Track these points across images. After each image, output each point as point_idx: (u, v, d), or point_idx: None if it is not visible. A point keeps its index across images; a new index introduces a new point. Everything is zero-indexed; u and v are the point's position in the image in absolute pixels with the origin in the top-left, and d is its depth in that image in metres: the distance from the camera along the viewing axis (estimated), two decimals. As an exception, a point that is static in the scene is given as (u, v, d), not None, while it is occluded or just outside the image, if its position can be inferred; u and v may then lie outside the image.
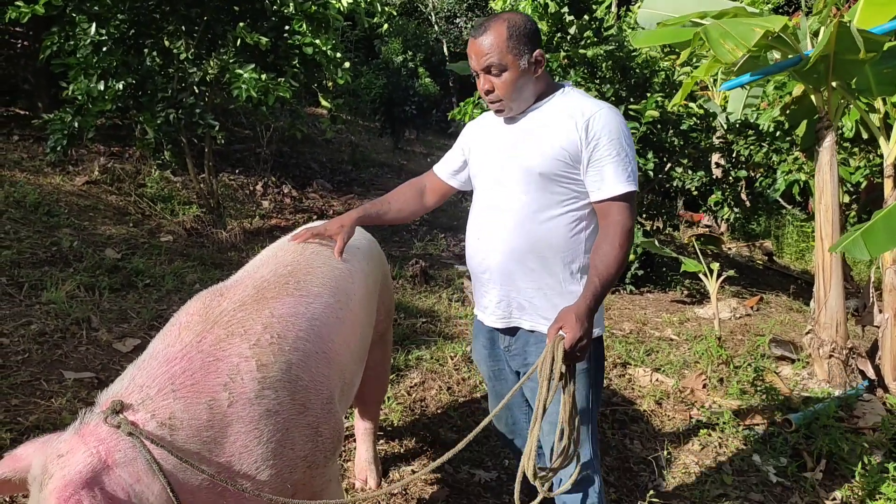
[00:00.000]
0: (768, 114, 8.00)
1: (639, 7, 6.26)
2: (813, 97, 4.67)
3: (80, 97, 5.74)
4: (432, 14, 19.17)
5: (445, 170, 2.56)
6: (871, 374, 4.41)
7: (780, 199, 9.42)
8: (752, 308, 6.61)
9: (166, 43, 6.29)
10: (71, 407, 3.09)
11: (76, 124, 5.75)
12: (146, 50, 6.14)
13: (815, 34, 4.89)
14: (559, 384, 2.02)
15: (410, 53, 14.33)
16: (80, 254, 4.87)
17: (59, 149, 5.80)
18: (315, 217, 7.79)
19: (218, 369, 1.79)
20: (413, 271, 6.01)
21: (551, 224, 2.18)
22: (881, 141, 4.52)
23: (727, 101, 9.40)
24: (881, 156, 6.28)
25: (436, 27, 18.81)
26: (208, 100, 6.40)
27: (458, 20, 19.11)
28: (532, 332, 2.26)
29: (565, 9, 5.86)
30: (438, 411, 3.85)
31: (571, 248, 2.19)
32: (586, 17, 5.92)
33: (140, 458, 1.59)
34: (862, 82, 4.52)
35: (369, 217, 2.54)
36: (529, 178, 2.17)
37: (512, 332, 2.32)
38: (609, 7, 6.28)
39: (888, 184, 4.46)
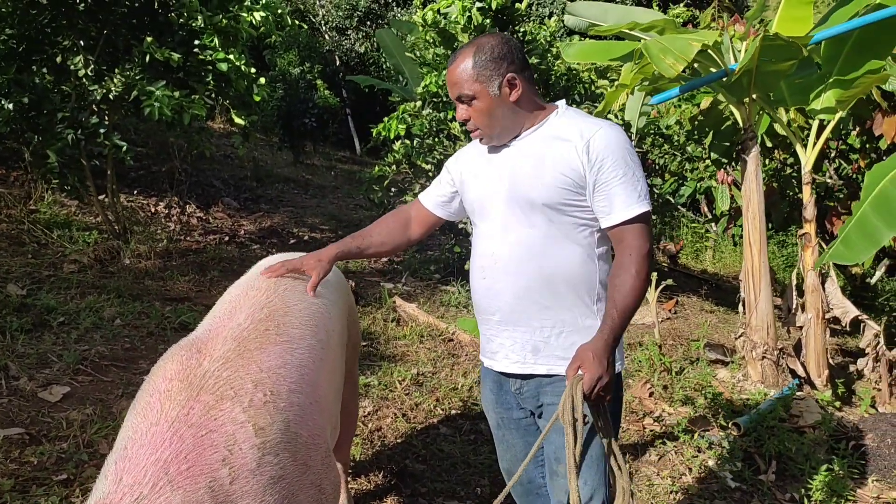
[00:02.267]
0: (664, 121, 8.35)
1: (555, 21, 6.37)
2: (734, 109, 4.88)
3: (-37, 118, 5.21)
4: (322, 24, 18.87)
5: (432, 200, 2.40)
6: (800, 372, 4.64)
7: (672, 202, 9.85)
8: (670, 311, 6.84)
9: (58, 59, 5.82)
10: (5, 470, 2.75)
11: (-39, 147, 5.22)
12: (34, 67, 5.65)
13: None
14: (585, 428, 1.95)
15: (308, 65, 14.00)
16: (-21, 292, 4.40)
17: (-59, 175, 5.23)
18: (227, 238, 7.43)
19: (213, 443, 1.61)
20: (342, 292, 5.82)
21: (562, 256, 2.04)
22: (799, 151, 4.77)
23: (622, 111, 9.76)
24: (784, 162, 6.69)
25: (326, 38, 18.53)
26: (109, 119, 5.97)
27: (349, 32, 18.90)
28: (547, 375, 2.12)
29: (488, 21, 5.86)
30: (398, 440, 3.71)
31: (586, 279, 2.07)
32: (510, 29, 5.95)
33: None
34: (778, 93, 4.76)
35: (349, 252, 2.38)
36: (533, 210, 2.05)
37: (525, 375, 2.17)
38: (528, 16, 6.34)
39: (806, 190, 4.71)
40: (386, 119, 6.66)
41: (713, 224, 9.62)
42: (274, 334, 1.98)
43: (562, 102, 2.21)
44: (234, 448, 1.65)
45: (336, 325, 2.37)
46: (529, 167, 2.07)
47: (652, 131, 6.82)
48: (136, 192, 8.21)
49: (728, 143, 5.92)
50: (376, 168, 7.02)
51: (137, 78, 5.58)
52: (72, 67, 5.79)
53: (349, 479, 3.29)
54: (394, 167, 6.84)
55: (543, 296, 2.07)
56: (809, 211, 4.71)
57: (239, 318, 2.01)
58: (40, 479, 2.78)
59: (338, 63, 17.49)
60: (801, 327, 4.83)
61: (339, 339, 2.40)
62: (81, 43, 5.70)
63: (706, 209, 10.38)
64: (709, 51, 4.36)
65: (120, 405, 3.44)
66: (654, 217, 9.73)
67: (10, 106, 5.25)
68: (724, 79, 4.49)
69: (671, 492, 3.54)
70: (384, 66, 15.10)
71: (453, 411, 4.09)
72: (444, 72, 6.65)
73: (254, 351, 1.89)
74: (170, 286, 5.42)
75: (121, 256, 5.68)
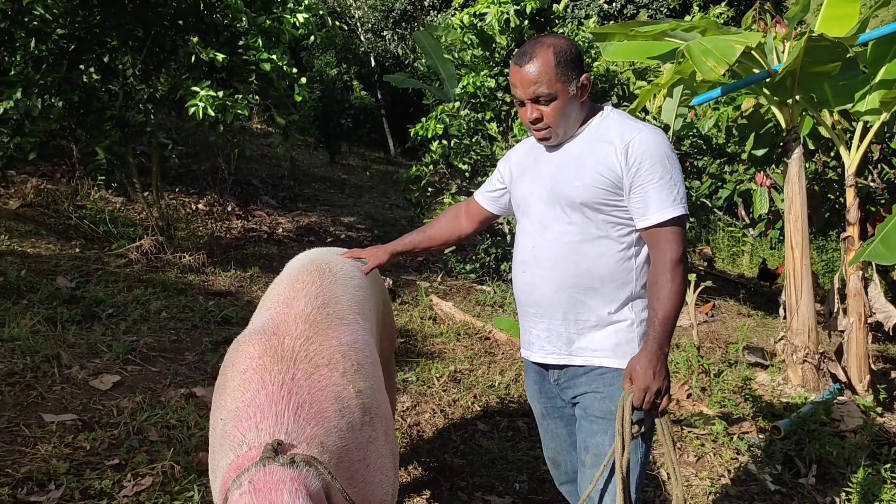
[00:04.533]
0: (702, 124, 8.28)
1: (594, 22, 6.36)
2: (777, 111, 4.83)
3: (15, 115, 5.37)
4: (359, 26, 19.03)
5: (485, 196, 2.49)
6: (841, 377, 4.58)
7: (709, 205, 9.75)
8: (707, 314, 6.79)
9: (106, 59, 5.97)
10: (60, 454, 2.85)
11: (13, 144, 5.38)
12: (83, 66, 5.80)
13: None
14: (636, 438, 2.02)
15: (344, 66, 14.15)
16: (30, 284, 4.54)
17: (-6, 171, 5.41)
18: (265, 236, 7.55)
19: (326, 397, 1.71)
20: (380, 290, 5.88)
21: (598, 254, 2.10)
22: (842, 151, 4.72)
23: (659, 113, 9.70)
24: (826, 165, 6.60)
25: (362, 39, 18.68)
26: (154, 118, 6.12)
27: (385, 34, 19.03)
28: (581, 366, 2.18)
29: (526, 23, 5.88)
30: (437, 435, 3.75)
31: (621, 276, 2.11)
32: (547, 31, 5.97)
33: (321, 489, 1.45)
34: (821, 95, 4.71)
35: (404, 247, 2.58)
36: (572, 208, 2.11)
37: (561, 366, 2.23)
38: (565, 18, 6.36)
39: (850, 193, 4.65)
40: (424, 119, 6.72)
41: (751, 228, 9.51)
42: (336, 317, 2.06)
43: (608, 105, 2.25)
44: (343, 403, 1.75)
45: (372, 315, 2.44)
46: (571, 167, 2.13)
47: (690, 134, 6.78)
48: (177, 190, 8.38)
49: (769, 147, 5.86)
50: (413, 168, 7.09)
51: (183, 78, 5.71)
52: (119, 67, 5.95)
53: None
54: (431, 167, 6.89)
55: (579, 291, 2.12)
56: (853, 214, 4.65)
57: (299, 305, 2.07)
58: (93, 464, 2.87)
59: (373, 64, 17.62)
60: (842, 331, 4.77)
61: (376, 329, 2.47)
62: (129, 43, 5.84)
63: (743, 213, 10.27)
64: (752, 52, 4.33)
65: (168, 394, 3.53)
66: (690, 219, 9.69)
67: (61, 104, 5.41)
68: (767, 80, 4.46)
69: (710, 493, 3.53)
70: (420, 69, 15.17)
71: (491, 408, 4.12)
72: (482, 73, 6.72)
73: (327, 330, 1.97)
74: (212, 281, 5.53)
75: (165, 252, 5.81)
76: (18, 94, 5.33)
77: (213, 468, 1.69)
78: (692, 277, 5.31)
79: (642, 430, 2.06)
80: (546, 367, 2.28)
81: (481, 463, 3.53)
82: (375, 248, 2.58)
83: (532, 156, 2.29)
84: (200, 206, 8.07)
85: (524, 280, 2.24)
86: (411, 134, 6.86)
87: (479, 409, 4.10)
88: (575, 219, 2.11)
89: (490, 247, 6.80)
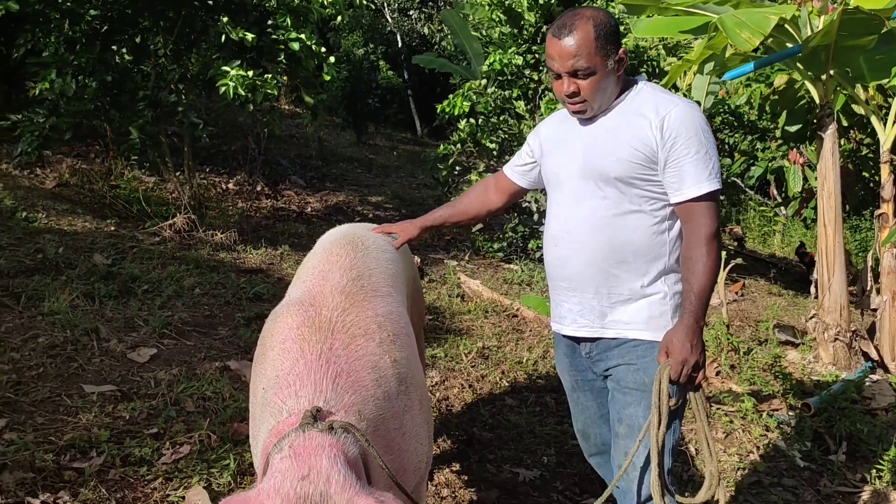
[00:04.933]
0: (734, 101, 8.17)
1: (624, -2, 6.28)
2: (811, 86, 4.76)
3: (50, 96, 5.48)
4: (385, 5, 18.98)
5: (514, 169, 2.49)
6: (873, 355, 4.54)
7: (740, 184, 9.62)
8: (737, 293, 6.74)
9: (138, 40, 6.05)
10: (101, 423, 2.94)
11: (48, 125, 5.49)
12: (115, 47, 5.88)
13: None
14: (672, 410, 2.03)
15: (371, 46, 14.15)
16: (68, 260, 4.65)
17: (30, 151, 5.53)
18: (294, 215, 7.63)
19: (364, 367, 1.75)
20: (408, 268, 5.93)
21: (632, 227, 2.10)
22: (878, 127, 4.64)
23: (689, 90, 9.57)
24: (860, 142, 6.49)
25: (389, 19, 18.63)
26: (186, 98, 6.19)
27: (411, 13, 18.96)
28: (614, 338, 2.19)
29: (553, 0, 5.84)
30: (465, 410, 3.80)
31: (654, 250, 2.11)
32: (576, 5, 5.90)
33: (358, 455, 1.50)
34: (856, 69, 4.63)
35: (434, 221, 2.59)
36: (606, 183, 2.10)
37: (593, 339, 2.24)
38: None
39: (885, 169, 4.58)
40: (451, 96, 6.71)
41: (783, 207, 9.38)
42: (370, 289, 2.09)
43: (641, 78, 2.23)
44: (380, 373, 1.78)
45: (404, 289, 2.47)
46: (605, 141, 2.12)
47: (721, 111, 6.69)
48: (207, 170, 8.48)
49: (802, 123, 5.78)
50: (441, 147, 7.09)
51: (213, 58, 5.76)
52: (151, 48, 6.02)
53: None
54: (458, 146, 6.89)
55: (612, 265, 2.12)
56: (887, 191, 4.58)
57: (335, 278, 2.10)
58: (133, 432, 2.96)
59: (400, 44, 17.58)
60: (875, 310, 4.72)
61: (407, 302, 2.50)
62: (161, 24, 5.90)
63: (775, 192, 10.14)
64: (785, 25, 4.26)
65: (203, 367, 3.61)
66: (721, 198, 9.58)
67: (94, 84, 5.50)
68: (801, 54, 4.39)
69: (738, 469, 3.54)
70: (447, 48, 15.12)
71: (519, 383, 4.15)
72: (510, 50, 6.69)
73: (363, 301, 2.00)
74: (243, 259, 5.61)
75: (197, 230, 5.90)
76: (53, 75, 5.43)
77: (254, 434, 1.74)
78: (722, 254, 5.27)
79: (678, 403, 2.06)
80: (578, 340, 2.29)
81: (509, 437, 3.56)
82: (406, 223, 2.59)
83: (564, 129, 2.27)
84: (230, 185, 8.16)
85: (556, 254, 2.25)
86: (438, 111, 6.86)
87: (507, 384, 4.14)
88: (608, 193, 2.11)
89: (517, 225, 6.80)
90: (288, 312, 1.95)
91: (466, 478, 3.18)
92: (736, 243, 9.65)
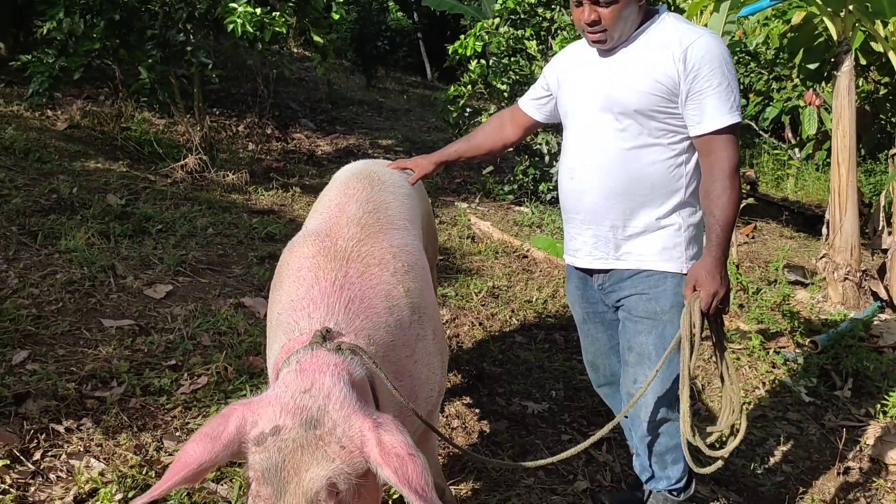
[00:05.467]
0: (751, 40, 8.01)
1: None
2: (829, 22, 4.67)
3: (59, 36, 5.44)
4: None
5: (529, 103, 2.48)
6: (883, 295, 4.56)
7: (754, 127, 9.49)
8: (747, 236, 6.73)
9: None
10: (120, 355, 3.01)
11: (58, 65, 5.47)
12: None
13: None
14: (700, 343, 2.05)
15: (380, -13, 13.87)
16: (83, 200, 4.68)
17: (41, 92, 5.52)
18: (305, 158, 7.62)
19: (377, 294, 1.79)
20: (419, 209, 5.94)
21: (649, 160, 2.10)
22: (895, 63, 4.56)
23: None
24: (878, 82, 6.37)
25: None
26: (194, 37, 6.13)
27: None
28: (627, 269, 2.21)
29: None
30: (475, 346, 3.86)
31: (670, 184, 2.12)
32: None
33: (365, 378, 1.54)
34: (877, 4, 4.52)
35: (448, 156, 2.59)
36: (625, 115, 2.09)
37: (607, 270, 2.26)
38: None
39: (902, 108, 4.52)
40: (462, 37, 6.62)
41: (797, 150, 9.27)
42: (386, 222, 2.12)
43: (663, 8, 2.19)
44: (393, 301, 1.83)
45: (420, 224, 2.49)
46: (625, 73, 2.10)
47: (737, 50, 6.57)
48: (217, 112, 8.45)
49: (819, 62, 5.67)
50: (452, 88, 7.02)
51: (221, -5, 5.69)
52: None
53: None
54: (469, 87, 6.82)
55: (628, 198, 2.13)
56: (903, 129, 4.53)
57: (351, 210, 2.13)
58: (152, 364, 3.03)
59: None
60: (886, 250, 4.72)
61: (422, 236, 2.53)
62: (167, -39, 5.81)
63: (790, 135, 10.00)
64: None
65: (218, 304, 3.67)
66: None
67: (102, 23, 5.46)
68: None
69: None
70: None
71: (528, 322, 4.21)
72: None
73: (378, 233, 2.04)
74: (255, 200, 5.64)
75: (209, 172, 5.92)
76: (61, 14, 5.39)
77: (268, 352, 1.79)
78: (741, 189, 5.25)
79: (703, 335, 2.08)
80: (591, 272, 2.32)
81: (519, 372, 3.63)
82: (421, 158, 2.60)
83: (582, 61, 2.25)
84: (241, 128, 8.14)
85: (571, 187, 2.25)
86: (450, 51, 6.78)
87: (516, 322, 4.19)
88: (626, 125, 2.10)
89: (528, 168, 6.77)
90: (304, 242, 1.99)
91: (477, 410, 3.25)
92: (749, 186, 9.57)
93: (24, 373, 2.75)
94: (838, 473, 3.12)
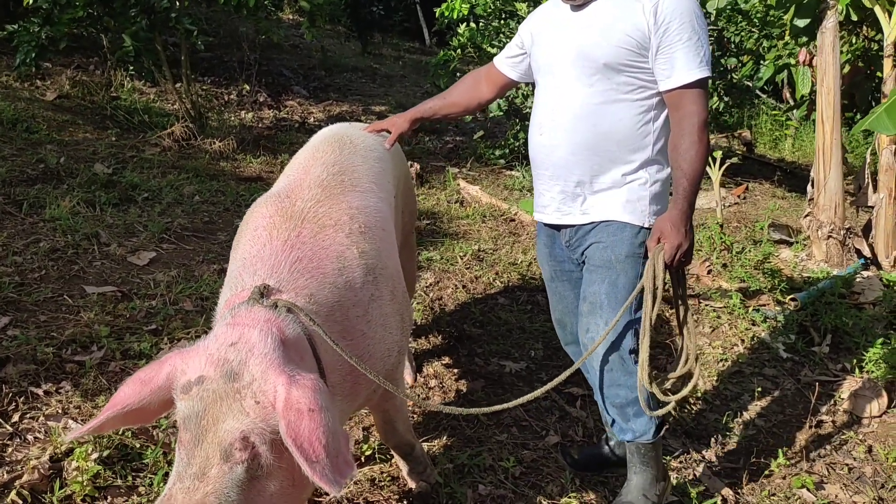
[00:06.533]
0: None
1: None
2: (815, -23, 4.61)
3: (44, 5, 5.43)
4: None
5: (504, 61, 2.49)
6: (867, 252, 4.57)
7: (752, 87, 9.40)
8: (739, 197, 6.73)
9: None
10: (101, 320, 3.06)
11: (44, 34, 5.46)
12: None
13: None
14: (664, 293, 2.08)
15: (374, -51, 13.67)
16: (69, 170, 4.71)
17: (28, 61, 5.52)
18: (297, 125, 7.61)
19: (328, 255, 1.83)
20: (408, 174, 5.95)
21: (616, 117, 2.12)
22: (882, 19, 4.51)
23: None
24: (871, 39, 6.30)
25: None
26: (180, 3, 6.09)
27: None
28: (592, 222, 2.24)
29: None
30: (457, 308, 3.90)
31: (637, 140, 2.14)
32: None
33: (301, 335, 1.58)
34: (865, -41, 4.47)
35: (425, 112, 2.59)
36: (594, 70, 2.11)
37: (574, 226, 2.29)
38: None
39: (888, 63, 4.48)
40: (449, -1, 6.57)
41: (795, 110, 9.19)
42: (350, 184, 2.15)
43: None
44: (344, 262, 1.87)
45: (392, 187, 2.51)
46: (596, 27, 2.11)
47: (729, 8, 6.50)
48: (209, 81, 8.42)
49: (811, 18, 5.59)
50: (441, 53, 6.98)
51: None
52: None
53: (410, 338, 3.51)
54: (459, 51, 6.79)
55: (596, 153, 2.16)
56: (889, 85, 4.48)
57: (315, 172, 2.17)
58: (133, 329, 3.08)
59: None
60: (871, 207, 4.71)
61: (394, 201, 2.54)
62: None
63: (788, 95, 9.90)
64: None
65: (201, 270, 3.72)
66: (734, 107, 9.36)
67: (87, -10, 5.43)
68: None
69: (721, 360, 3.64)
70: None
71: (512, 284, 4.24)
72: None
73: (338, 195, 2.07)
74: (243, 167, 5.66)
75: (197, 140, 5.93)
76: (44, -18, 5.36)
77: (218, 306, 1.84)
78: (717, 154, 5.25)
79: (666, 287, 2.11)
80: (558, 227, 2.35)
81: (499, 332, 3.68)
82: (395, 118, 2.60)
83: (554, 17, 2.27)
84: (232, 96, 8.12)
85: (541, 142, 2.28)
86: (437, 15, 6.72)
87: (500, 284, 4.23)
88: (595, 81, 2.12)
89: (519, 131, 6.75)
90: (265, 203, 2.03)
91: (455, 371, 3.30)
92: (745, 148, 9.52)
93: (5, 338, 2.80)
94: (810, 426, 3.17)
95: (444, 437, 2.79)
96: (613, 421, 2.37)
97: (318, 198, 2.02)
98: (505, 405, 2.07)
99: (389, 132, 2.57)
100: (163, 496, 1.43)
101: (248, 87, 8.18)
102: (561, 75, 2.19)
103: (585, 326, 2.25)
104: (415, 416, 2.87)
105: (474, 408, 2.05)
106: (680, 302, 2.24)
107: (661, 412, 2.22)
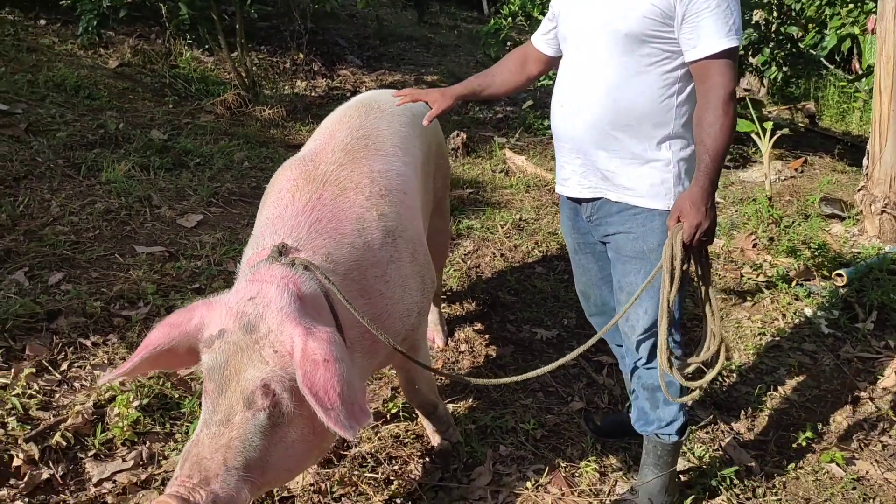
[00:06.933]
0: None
1: None
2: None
3: (105, -26, 5.62)
4: None
5: (540, 38, 2.43)
6: (922, 228, 4.41)
7: (822, 60, 9.05)
8: (796, 170, 6.53)
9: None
10: (149, 278, 3.22)
11: (105, 3, 5.66)
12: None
13: None
14: (684, 275, 2.02)
15: (432, -83, 13.57)
16: (127, 135, 4.90)
17: (90, 30, 5.74)
18: (349, 94, 7.69)
19: (348, 217, 1.89)
20: (455, 143, 5.98)
21: (639, 90, 2.04)
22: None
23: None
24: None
25: None
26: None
27: None
28: (616, 202, 2.18)
29: None
30: (494, 276, 3.94)
31: (660, 114, 2.06)
32: None
33: (318, 292, 1.65)
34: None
35: (471, 91, 2.50)
36: (616, 40, 2.03)
37: (595, 200, 2.24)
38: None
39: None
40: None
41: (861, 80, 8.82)
42: (374, 149, 2.21)
43: None
44: (363, 224, 1.93)
45: (420, 153, 2.55)
46: None
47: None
48: (264, 50, 8.56)
49: (876, -16, 5.37)
50: (492, 21, 6.94)
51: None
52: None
53: (444, 303, 3.58)
54: (509, 19, 6.73)
55: (617, 127, 2.09)
56: (954, 54, 4.29)
57: (341, 136, 2.23)
58: (177, 287, 3.23)
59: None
60: (929, 182, 4.53)
61: (423, 166, 2.58)
62: None
63: (857, 65, 9.50)
64: None
65: (245, 233, 3.84)
66: (799, 78, 9.02)
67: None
68: None
69: (759, 334, 3.59)
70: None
71: (550, 254, 4.25)
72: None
73: (361, 158, 2.13)
74: (293, 135, 5.78)
75: (248, 108, 6.07)
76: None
77: (241, 264, 1.93)
78: (768, 126, 5.11)
79: (686, 267, 2.05)
80: (580, 201, 2.31)
81: (533, 301, 3.70)
82: (437, 93, 2.49)
83: None
84: (286, 65, 8.25)
85: (561, 115, 2.22)
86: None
87: (538, 254, 4.24)
88: (619, 52, 2.04)
89: (569, 101, 6.68)
90: (290, 166, 2.11)
91: (486, 336, 3.36)
92: (807, 120, 9.20)
93: (58, 292, 2.98)
94: (846, 403, 3.12)
95: (470, 400, 2.85)
96: (642, 417, 2.35)
97: (340, 161, 2.08)
98: (516, 378, 2.10)
99: (427, 104, 2.51)
100: (190, 441, 1.54)
101: (301, 56, 8.30)
102: (584, 47, 2.14)
103: (626, 316, 2.21)
104: (442, 378, 2.94)
105: (493, 378, 2.09)
106: (702, 283, 2.15)
107: (686, 399, 2.19)
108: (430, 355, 2.66)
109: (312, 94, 7.46)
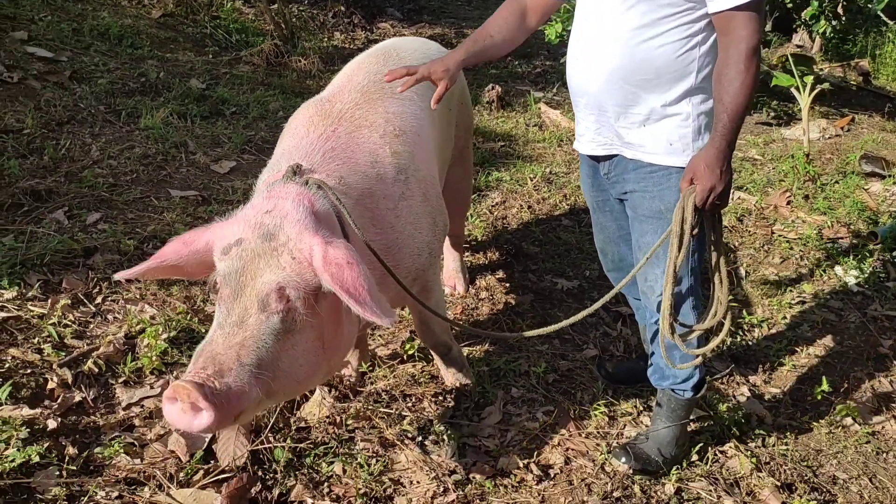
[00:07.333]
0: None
1: None
2: None
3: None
4: None
5: None
6: (966, 188, 4.27)
7: (881, 14, 8.68)
8: (842, 129, 6.35)
9: None
10: (182, 220, 3.33)
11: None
12: None
13: None
14: (693, 238, 1.99)
15: None
16: (167, 84, 5.00)
17: (134, -20, 5.82)
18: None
19: (361, 150, 1.97)
20: (489, 97, 5.96)
21: (657, 42, 1.96)
22: None
23: None
24: None
25: None
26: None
27: None
28: (631, 160, 2.13)
29: None
30: (519, 227, 3.97)
31: (679, 68, 1.98)
32: None
33: (331, 211, 1.72)
34: None
35: (474, 55, 2.23)
36: None
37: (611, 157, 2.20)
38: None
39: None
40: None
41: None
42: (390, 91, 2.24)
43: None
44: (376, 158, 2.01)
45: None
46: None
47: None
48: (305, 2, 8.58)
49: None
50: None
51: None
52: None
53: (467, 252, 3.62)
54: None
55: (633, 81, 2.02)
56: None
57: (358, 79, 2.29)
58: (209, 229, 3.34)
59: None
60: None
61: (442, 114, 2.58)
62: None
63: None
64: None
65: (276, 179, 3.93)
66: (855, 34, 8.65)
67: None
68: None
69: (786, 290, 3.56)
70: None
71: (578, 207, 4.24)
72: None
73: (377, 100, 2.19)
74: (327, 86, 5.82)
75: (286, 59, 6.12)
76: None
77: (256, 186, 2.00)
78: (808, 80, 4.96)
79: (697, 232, 2.01)
80: (597, 159, 2.27)
81: (557, 252, 3.73)
82: (439, 65, 2.12)
83: None
84: (327, 18, 8.26)
85: (577, 69, 2.15)
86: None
87: (566, 207, 4.24)
88: (636, 2, 1.96)
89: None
90: (308, 105, 2.19)
91: (507, 284, 3.40)
92: (861, 78, 8.88)
93: (95, 231, 3.11)
94: (868, 359, 3.09)
95: (486, 343, 2.91)
96: (659, 372, 2.36)
97: (356, 101, 2.14)
98: (529, 333, 2.13)
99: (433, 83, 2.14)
100: (204, 342, 1.62)
101: (342, 9, 8.30)
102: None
103: (644, 275, 2.20)
104: (461, 323, 3.00)
105: (509, 329, 2.13)
106: (713, 248, 2.11)
107: (686, 366, 2.21)
108: (444, 300, 2.72)
109: (351, 46, 7.47)
